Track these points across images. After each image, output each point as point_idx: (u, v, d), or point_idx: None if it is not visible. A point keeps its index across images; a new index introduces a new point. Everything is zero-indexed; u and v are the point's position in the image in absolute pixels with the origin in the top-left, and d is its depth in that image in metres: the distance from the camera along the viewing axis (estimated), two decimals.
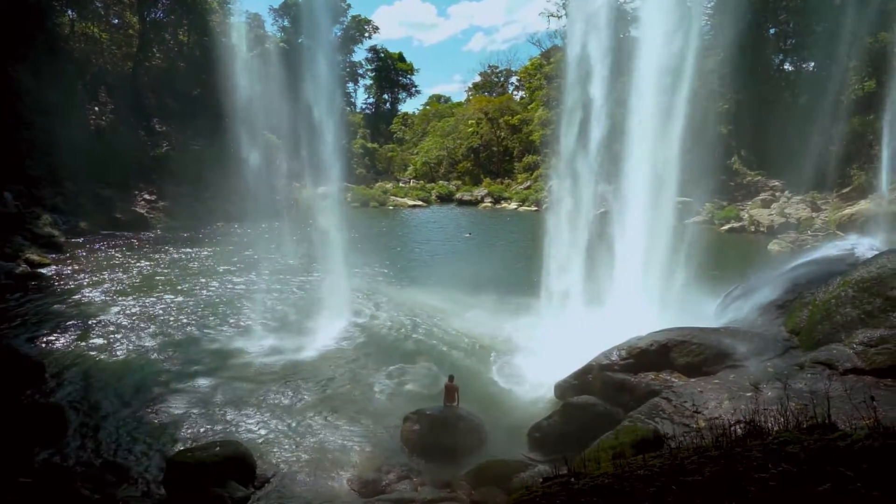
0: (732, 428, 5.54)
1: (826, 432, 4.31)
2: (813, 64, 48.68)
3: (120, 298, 21.65)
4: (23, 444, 11.02)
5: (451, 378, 12.92)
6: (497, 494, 8.95)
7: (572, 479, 4.63)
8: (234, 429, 12.38)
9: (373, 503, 9.39)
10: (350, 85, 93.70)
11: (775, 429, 5.10)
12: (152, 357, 16.34)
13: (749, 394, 9.68)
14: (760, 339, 12.32)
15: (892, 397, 9.04)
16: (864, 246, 16.86)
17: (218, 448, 10.23)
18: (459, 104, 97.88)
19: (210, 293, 23.31)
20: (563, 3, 66.30)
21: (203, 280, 25.43)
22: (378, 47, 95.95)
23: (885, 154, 33.44)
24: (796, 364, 10.96)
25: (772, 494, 3.23)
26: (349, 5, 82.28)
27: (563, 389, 13.39)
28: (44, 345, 16.66)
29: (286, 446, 11.74)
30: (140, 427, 12.29)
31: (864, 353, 10.28)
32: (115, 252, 30.41)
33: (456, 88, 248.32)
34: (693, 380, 11.35)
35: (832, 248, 17.53)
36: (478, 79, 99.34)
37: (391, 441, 11.98)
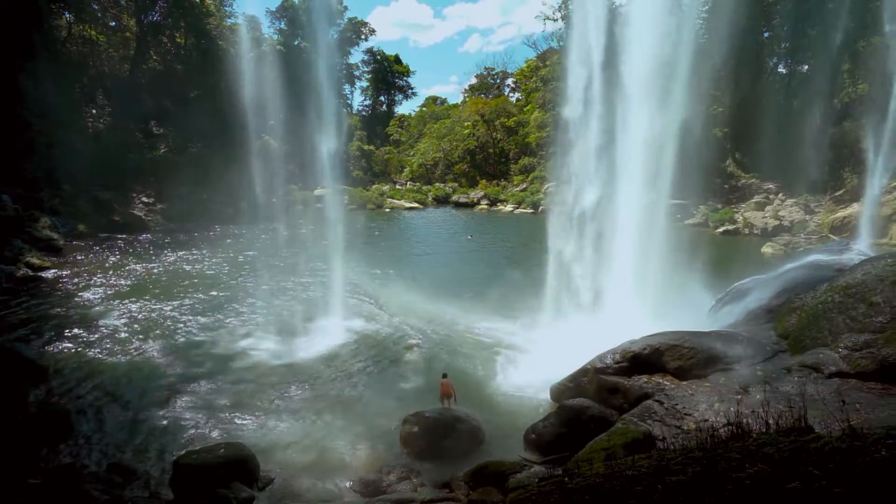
0: (720, 430, 5.85)
1: (802, 434, 4.63)
2: (807, 67, 49.17)
3: (121, 301, 21.88)
4: (30, 446, 11.26)
5: (444, 375, 13.57)
6: (495, 494, 9.19)
7: (566, 479, 4.93)
8: (237, 430, 12.63)
9: (374, 503, 9.66)
10: (347, 87, 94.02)
11: (758, 431, 5.41)
12: (155, 359, 16.57)
13: (738, 397, 9.99)
14: (750, 343, 12.61)
15: (875, 400, 9.35)
16: (854, 251, 17.24)
17: (222, 450, 10.47)
18: (456, 106, 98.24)
19: (209, 295, 23.51)
20: (559, 6, 66.76)
21: (202, 282, 25.65)
22: (374, 49, 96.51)
23: (876, 158, 33.83)
24: (784, 367, 11.29)
25: (746, 493, 3.53)
26: (346, 7, 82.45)
27: (559, 392, 13.66)
28: (47, 348, 16.87)
29: (289, 448, 11.98)
30: (145, 429, 12.54)
31: (849, 357, 10.60)
32: (115, 254, 30.60)
33: (452, 90, 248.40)
34: (685, 383, 11.62)
35: (822, 253, 17.87)
36: (474, 80, 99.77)
37: (391, 442, 12.21)
